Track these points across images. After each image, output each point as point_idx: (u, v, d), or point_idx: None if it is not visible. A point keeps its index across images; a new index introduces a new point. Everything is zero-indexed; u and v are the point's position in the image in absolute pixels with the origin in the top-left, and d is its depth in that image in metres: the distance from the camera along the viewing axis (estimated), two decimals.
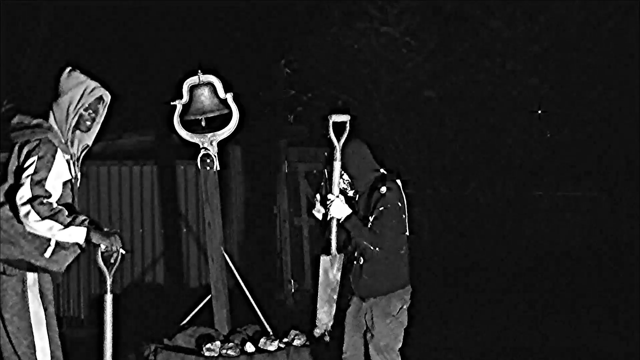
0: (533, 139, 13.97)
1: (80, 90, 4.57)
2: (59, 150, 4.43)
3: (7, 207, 4.38)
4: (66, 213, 4.39)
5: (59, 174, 4.41)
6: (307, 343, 6.62)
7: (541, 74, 13.57)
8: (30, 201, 4.29)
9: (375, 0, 13.31)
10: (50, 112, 4.55)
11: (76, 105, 4.54)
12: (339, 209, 5.11)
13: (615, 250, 13.32)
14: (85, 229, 4.43)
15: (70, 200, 4.53)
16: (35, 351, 4.39)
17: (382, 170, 5.31)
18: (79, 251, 4.57)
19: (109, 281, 4.68)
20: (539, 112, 13.98)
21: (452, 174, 13.35)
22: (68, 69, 4.65)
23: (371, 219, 5.10)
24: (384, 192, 5.13)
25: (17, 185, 4.35)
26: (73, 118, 4.54)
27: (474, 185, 13.61)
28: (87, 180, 9.76)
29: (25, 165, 4.36)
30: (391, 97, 13.36)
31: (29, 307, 4.39)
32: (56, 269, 4.49)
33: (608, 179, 14.45)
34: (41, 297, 4.45)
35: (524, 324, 9.47)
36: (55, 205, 4.36)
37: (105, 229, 4.59)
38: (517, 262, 12.62)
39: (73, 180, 4.52)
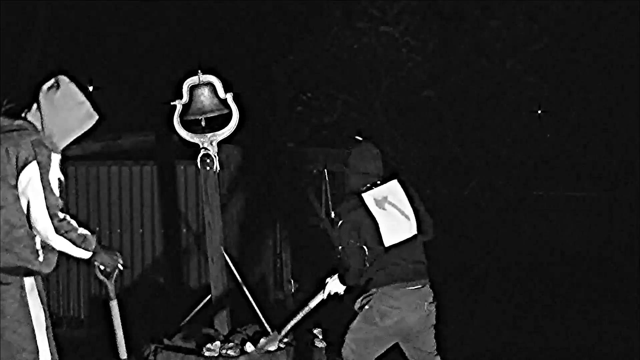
0: (533, 139, 13.97)
1: (79, 116, 4.43)
2: (52, 151, 4.36)
3: (1, 212, 4.28)
4: (78, 231, 4.38)
5: (55, 175, 4.35)
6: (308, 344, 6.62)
7: (541, 73, 13.58)
8: (49, 217, 4.26)
9: (375, 0, 13.31)
10: (29, 114, 4.39)
11: (72, 132, 4.45)
12: (337, 287, 5.35)
13: (615, 250, 13.32)
14: (90, 253, 4.45)
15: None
16: (38, 356, 4.36)
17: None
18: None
19: (110, 287, 4.74)
20: (539, 112, 13.99)
21: (452, 174, 13.35)
22: (65, 80, 4.49)
23: None
24: (334, 217, 5.26)
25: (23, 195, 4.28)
26: (66, 140, 4.45)
27: (474, 185, 13.61)
28: (87, 181, 9.76)
29: (27, 172, 4.25)
30: (391, 97, 13.36)
31: (30, 312, 4.35)
32: (48, 271, 4.45)
33: (608, 179, 14.45)
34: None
35: (523, 324, 9.47)
36: (68, 219, 4.33)
37: (103, 244, 4.64)
38: (517, 262, 12.62)
39: (62, 179, 4.43)
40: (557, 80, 13.68)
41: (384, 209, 5.22)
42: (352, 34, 13.26)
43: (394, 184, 5.34)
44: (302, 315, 5.63)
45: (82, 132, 4.52)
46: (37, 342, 4.36)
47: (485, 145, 13.43)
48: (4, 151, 4.29)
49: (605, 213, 14.50)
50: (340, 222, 5.19)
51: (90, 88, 16.02)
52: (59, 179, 4.35)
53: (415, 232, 5.31)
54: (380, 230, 5.17)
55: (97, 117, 4.52)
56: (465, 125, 13.40)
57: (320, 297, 5.45)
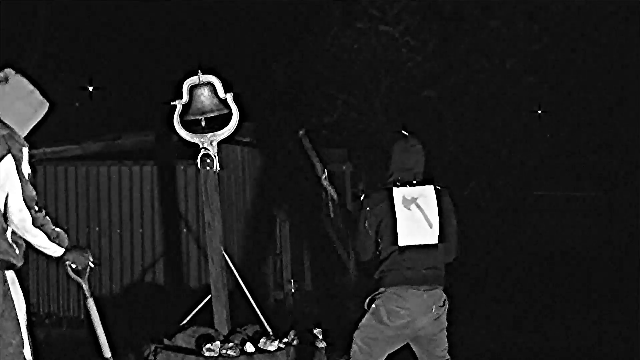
0: (533, 139, 13.98)
1: (32, 104, 4.44)
2: (22, 145, 4.38)
3: None
4: (52, 226, 4.41)
5: (26, 168, 4.37)
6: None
7: (541, 73, 13.59)
8: (27, 208, 4.29)
9: (375, 0, 13.32)
10: None
11: (29, 121, 4.46)
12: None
13: (615, 250, 13.33)
14: (63, 250, 4.48)
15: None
16: (23, 348, 4.35)
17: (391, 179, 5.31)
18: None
19: (85, 286, 4.76)
20: (539, 112, 14.00)
21: (452, 174, 13.36)
22: (12, 72, 4.47)
23: None
24: (361, 199, 5.25)
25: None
26: (24, 131, 4.46)
27: (474, 185, 13.62)
28: (87, 181, 9.76)
29: (3, 166, 4.23)
30: (391, 97, 13.36)
31: (14, 306, 4.35)
32: (20, 265, 4.45)
33: (608, 179, 14.47)
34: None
35: (523, 323, 9.47)
36: (44, 212, 4.36)
37: (74, 245, 4.63)
38: (517, 262, 12.63)
39: (30, 173, 4.44)
40: (557, 80, 13.69)
41: (409, 209, 5.19)
42: (352, 34, 13.27)
43: (428, 189, 5.29)
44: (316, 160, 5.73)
45: (37, 120, 4.54)
46: (22, 335, 4.35)
47: (485, 145, 13.44)
48: None
49: (605, 213, 14.52)
50: (365, 208, 5.20)
51: (90, 88, 16.05)
52: (28, 172, 4.38)
53: (436, 242, 5.27)
54: (398, 228, 5.16)
55: (47, 104, 4.55)
56: (465, 125, 13.41)
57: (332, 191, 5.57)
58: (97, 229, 9.70)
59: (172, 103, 6.59)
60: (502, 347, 8.40)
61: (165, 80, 9.19)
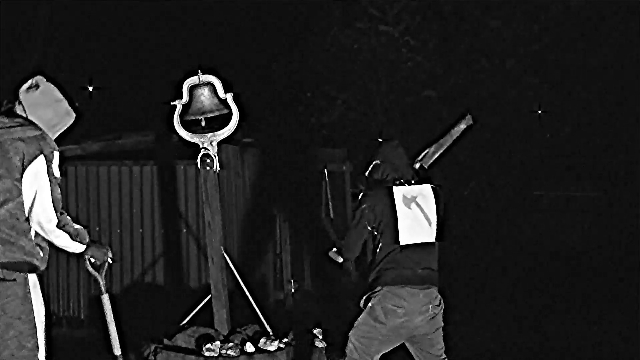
0: (533, 139, 13.98)
1: (60, 112, 4.54)
2: (53, 149, 4.43)
3: (8, 206, 4.32)
4: (74, 225, 4.48)
5: (56, 171, 4.43)
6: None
7: (541, 73, 13.59)
8: (54, 209, 4.34)
9: (375, 0, 13.33)
10: (20, 108, 4.49)
11: (55, 127, 4.54)
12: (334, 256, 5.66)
13: (615, 250, 13.33)
14: (85, 246, 4.55)
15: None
16: (38, 352, 4.36)
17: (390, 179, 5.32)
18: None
19: (102, 283, 4.82)
20: (539, 112, 14.00)
21: (452, 174, 13.38)
22: (43, 79, 4.58)
23: None
24: (360, 197, 5.25)
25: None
26: (51, 135, 4.52)
27: (473, 185, 13.62)
28: (87, 181, 9.76)
29: (35, 166, 4.31)
30: (391, 97, 13.37)
31: (32, 309, 4.37)
32: (44, 268, 4.47)
33: (608, 179, 14.46)
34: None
35: (523, 323, 9.47)
36: (65, 214, 4.42)
37: (94, 241, 4.70)
38: (517, 262, 12.63)
39: (59, 177, 4.49)
40: (557, 80, 13.70)
41: (409, 208, 5.20)
42: (352, 34, 13.28)
43: (427, 188, 5.32)
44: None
45: (64, 128, 4.62)
46: (38, 339, 4.37)
47: (485, 145, 13.45)
48: (9, 145, 4.34)
49: (605, 213, 14.52)
50: (364, 205, 5.21)
51: (90, 88, 16.04)
52: (57, 175, 4.42)
53: (434, 240, 5.28)
54: (399, 227, 5.16)
55: (74, 115, 4.63)
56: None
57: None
58: (97, 229, 9.70)
59: (172, 103, 6.59)
60: (502, 347, 8.40)
61: (165, 80, 9.18)
